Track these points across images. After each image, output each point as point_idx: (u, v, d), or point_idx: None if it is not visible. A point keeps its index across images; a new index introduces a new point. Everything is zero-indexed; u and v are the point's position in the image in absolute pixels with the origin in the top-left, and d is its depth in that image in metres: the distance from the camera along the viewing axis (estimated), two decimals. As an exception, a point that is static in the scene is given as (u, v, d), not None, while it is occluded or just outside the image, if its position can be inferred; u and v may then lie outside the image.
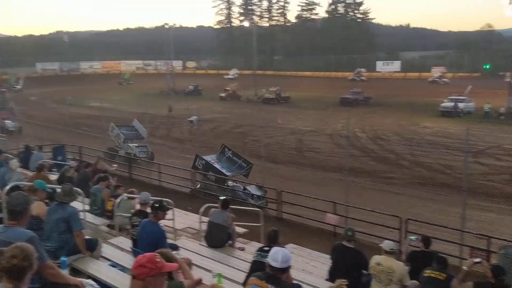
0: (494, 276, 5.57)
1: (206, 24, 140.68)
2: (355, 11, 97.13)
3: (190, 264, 4.87)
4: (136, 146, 22.37)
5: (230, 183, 16.50)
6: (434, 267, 6.01)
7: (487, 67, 60.69)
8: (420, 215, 13.37)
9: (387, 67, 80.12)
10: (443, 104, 38.80)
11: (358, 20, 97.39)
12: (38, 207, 5.98)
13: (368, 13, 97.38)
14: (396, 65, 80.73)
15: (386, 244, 6.45)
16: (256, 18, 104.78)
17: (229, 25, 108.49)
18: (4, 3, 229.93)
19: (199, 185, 17.12)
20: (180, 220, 10.17)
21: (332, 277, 6.51)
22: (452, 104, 38.08)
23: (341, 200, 12.96)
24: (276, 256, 3.82)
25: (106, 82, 71.64)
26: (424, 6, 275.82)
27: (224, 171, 16.47)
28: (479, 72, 68.58)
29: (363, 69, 74.50)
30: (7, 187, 7.33)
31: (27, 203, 4.31)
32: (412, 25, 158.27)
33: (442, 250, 9.19)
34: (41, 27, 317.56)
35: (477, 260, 6.15)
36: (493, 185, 19.02)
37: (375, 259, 6.35)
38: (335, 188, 15.99)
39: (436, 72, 69.95)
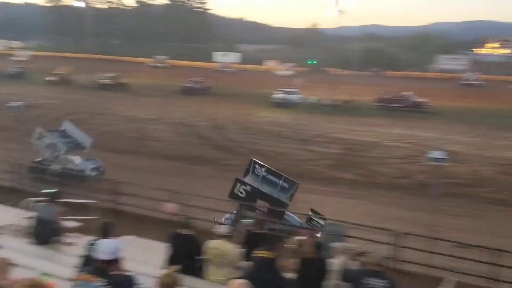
0: (314, 252, 6.19)
1: (34, 1, 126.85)
2: (192, 0, 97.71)
3: (9, 264, 4.39)
4: (85, 161, 17.19)
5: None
6: (264, 247, 6.43)
7: (314, 62, 66.58)
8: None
9: (225, 58, 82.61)
10: (274, 96, 41.60)
11: (195, 9, 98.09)
12: None
13: (204, 2, 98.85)
14: (233, 57, 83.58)
15: (220, 228, 6.71)
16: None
17: (58, 4, 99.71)
18: None
19: (229, 220, 11.74)
20: (1, 217, 9.15)
21: (170, 265, 6.53)
22: (283, 95, 41.07)
23: (181, 188, 13.03)
24: (101, 248, 3.70)
25: None
26: (256, 0, 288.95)
27: (282, 198, 12.32)
28: (308, 67, 74.96)
29: (163, 56, 75.32)
30: None
31: None
32: (247, 18, 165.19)
33: (273, 230, 9.89)
34: None
35: (301, 238, 6.76)
36: (318, 169, 21.09)
37: (210, 243, 6.57)
38: (174, 177, 16.03)
39: (271, 64, 74.58)
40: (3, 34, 72.00)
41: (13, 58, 63.63)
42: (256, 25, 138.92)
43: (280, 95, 41.35)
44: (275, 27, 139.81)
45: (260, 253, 6.25)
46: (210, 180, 18.00)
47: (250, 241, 7.21)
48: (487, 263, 9.91)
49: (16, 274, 4.50)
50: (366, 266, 5.81)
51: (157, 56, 73.48)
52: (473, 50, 79.55)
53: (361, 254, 6.55)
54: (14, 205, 11.00)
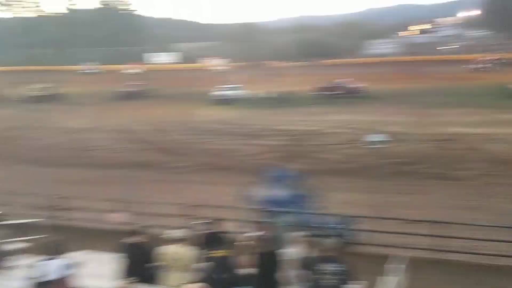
0: (264, 245, 6.30)
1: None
2: (116, 3, 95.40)
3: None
4: None
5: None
6: (217, 246, 6.44)
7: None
8: (206, 199, 14.03)
9: (158, 59, 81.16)
10: (214, 93, 41.37)
11: (120, 12, 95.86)
12: None
13: (129, 4, 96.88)
14: (167, 57, 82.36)
15: (172, 233, 6.66)
16: (18, 8, 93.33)
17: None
18: None
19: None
20: None
21: (125, 275, 6.39)
22: (222, 92, 40.94)
23: (127, 197, 12.73)
24: (50, 268, 3.56)
25: None
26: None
27: None
28: (244, 62, 75.16)
29: (92, 63, 73.93)
30: None
31: None
32: (174, 17, 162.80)
33: (228, 228, 9.86)
34: None
35: (249, 234, 6.86)
36: (266, 163, 21.19)
37: (163, 248, 6.50)
38: (120, 185, 15.62)
39: (207, 61, 74.19)
40: None
41: None
42: (186, 23, 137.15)
43: (220, 92, 41.18)
44: (206, 24, 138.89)
45: (215, 252, 6.27)
46: (158, 184, 17.71)
47: (206, 242, 7.18)
48: (434, 235, 10.40)
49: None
50: (322, 253, 5.96)
51: (87, 63, 71.02)
52: (398, 34, 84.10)
53: (316, 242, 6.70)
54: None
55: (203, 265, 6.53)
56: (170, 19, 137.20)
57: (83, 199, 13.43)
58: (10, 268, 7.49)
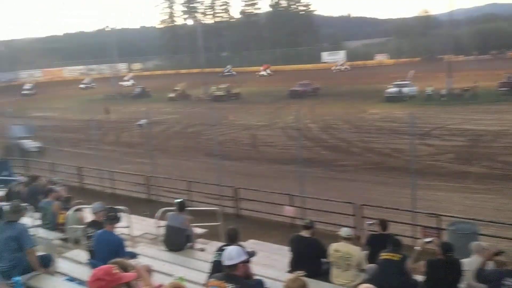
0: (443, 253, 5.84)
1: (149, 24, 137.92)
2: (297, 4, 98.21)
3: (149, 270, 4.79)
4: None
5: None
6: (389, 249, 6.23)
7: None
8: (374, 200, 13.75)
9: (332, 58, 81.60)
10: (388, 90, 40.08)
11: (301, 12, 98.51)
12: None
13: (310, 5, 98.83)
14: (340, 55, 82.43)
15: (344, 231, 6.63)
16: (199, 16, 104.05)
17: (172, 24, 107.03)
18: None
19: None
20: (137, 227, 9.99)
21: (292, 268, 6.61)
22: (396, 89, 39.41)
23: (297, 192, 13.16)
24: (229, 253, 3.88)
25: (49, 90, 69.06)
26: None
27: None
28: (419, 57, 71.20)
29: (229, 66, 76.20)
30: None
31: None
32: (353, 14, 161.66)
33: (397, 231, 9.52)
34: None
35: (428, 239, 6.42)
36: (440, 164, 19.83)
37: (333, 246, 6.51)
38: (291, 180, 16.17)
39: (381, 58, 72.30)
40: (123, 58, 79.02)
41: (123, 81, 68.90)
42: (364, 20, 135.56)
43: (393, 89, 39.75)
44: (383, 19, 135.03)
45: (386, 255, 6.07)
46: (325, 182, 17.91)
47: (374, 243, 7.04)
48: None
49: (155, 279, 4.89)
50: (503, 266, 5.36)
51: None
52: None
53: (497, 253, 6.07)
54: (147, 215, 12.01)
55: (371, 266, 6.42)
56: (348, 16, 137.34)
57: (256, 191, 14.29)
58: (198, 250, 8.36)
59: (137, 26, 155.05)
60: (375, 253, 6.56)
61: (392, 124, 28.74)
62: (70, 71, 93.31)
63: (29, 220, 7.82)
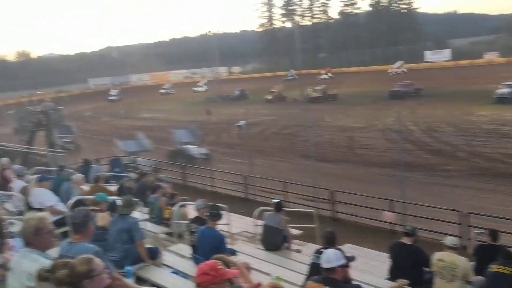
0: None
1: (248, 28, 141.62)
2: (399, 2, 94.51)
3: (248, 268, 4.92)
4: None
5: None
6: (500, 261, 5.78)
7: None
8: (481, 208, 12.88)
9: (436, 57, 77.45)
10: (498, 91, 37.00)
11: (403, 11, 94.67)
12: (102, 218, 6.22)
13: (413, 2, 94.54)
14: (445, 54, 77.98)
15: (448, 240, 6.29)
16: (297, 18, 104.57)
17: (271, 27, 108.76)
18: (57, 23, 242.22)
19: None
20: (235, 224, 10.31)
21: (392, 276, 6.40)
22: (508, 90, 36.25)
23: (397, 197, 12.70)
24: (327, 257, 3.86)
25: (155, 93, 73.72)
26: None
27: None
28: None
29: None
30: (70, 202, 7.69)
31: (89, 217, 4.42)
32: (460, 11, 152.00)
33: (509, 243, 8.80)
34: (92, 44, 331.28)
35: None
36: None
37: (437, 255, 6.18)
38: (389, 185, 15.65)
39: (491, 56, 67.13)
40: (224, 61, 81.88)
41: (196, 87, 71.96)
42: (472, 17, 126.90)
43: (505, 89, 36.56)
44: (494, 15, 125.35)
45: (497, 267, 5.66)
46: (427, 187, 17.08)
47: (483, 254, 6.58)
48: None
49: (253, 277, 5.01)
50: None
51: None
52: None
53: None
54: (245, 213, 12.33)
55: (479, 279, 6.02)
56: (454, 13, 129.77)
57: (352, 194, 14.03)
58: (295, 251, 8.43)
59: (237, 31, 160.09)
60: (484, 265, 6.13)
61: (502, 128, 26.61)
62: (174, 75, 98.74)
63: (138, 214, 8.39)
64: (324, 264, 3.88)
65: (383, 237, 11.56)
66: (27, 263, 3.33)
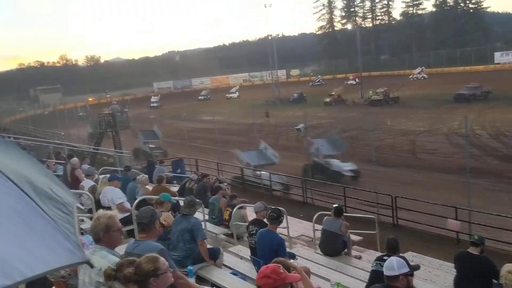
0: None
1: (308, 31, 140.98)
2: (467, 2, 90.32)
3: (308, 272, 4.93)
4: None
5: None
6: None
7: None
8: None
9: (506, 58, 73.30)
10: None
11: (471, 11, 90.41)
12: (166, 218, 6.44)
13: (482, 2, 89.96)
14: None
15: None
16: (359, 20, 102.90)
17: (331, 30, 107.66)
18: (122, 29, 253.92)
19: None
20: (294, 228, 10.30)
21: (457, 287, 6.16)
22: None
23: (462, 204, 12.18)
24: (386, 264, 3.80)
25: (216, 96, 75.13)
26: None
27: None
28: None
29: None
30: (136, 202, 8.01)
31: (154, 216, 4.56)
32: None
33: None
34: (155, 48, 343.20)
35: None
36: None
37: (507, 267, 5.87)
38: (453, 191, 15.05)
39: None
40: (283, 64, 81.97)
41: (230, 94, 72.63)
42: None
43: None
44: None
45: None
46: (495, 195, 16.24)
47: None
48: None
49: (312, 282, 5.01)
50: None
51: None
52: None
53: None
54: (303, 217, 12.30)
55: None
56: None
57: (414, 201, 13.61)
58: (355, 257, 8.31)
59: (296, 34, 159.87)
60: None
61: None
62: (234, 78, 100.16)
63: (199, 215, 8.58)
64: (387, 272, 3.81)
65: (448, 246, 11.15)
66: (97, 259, 3.49)
